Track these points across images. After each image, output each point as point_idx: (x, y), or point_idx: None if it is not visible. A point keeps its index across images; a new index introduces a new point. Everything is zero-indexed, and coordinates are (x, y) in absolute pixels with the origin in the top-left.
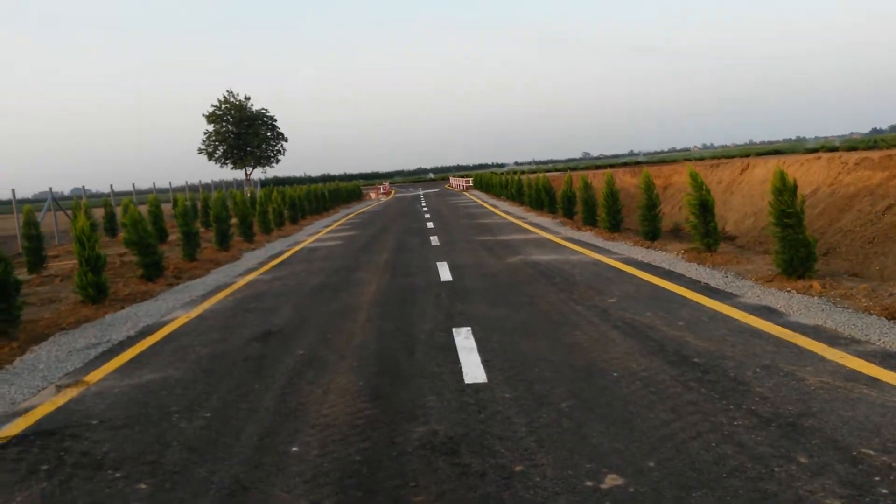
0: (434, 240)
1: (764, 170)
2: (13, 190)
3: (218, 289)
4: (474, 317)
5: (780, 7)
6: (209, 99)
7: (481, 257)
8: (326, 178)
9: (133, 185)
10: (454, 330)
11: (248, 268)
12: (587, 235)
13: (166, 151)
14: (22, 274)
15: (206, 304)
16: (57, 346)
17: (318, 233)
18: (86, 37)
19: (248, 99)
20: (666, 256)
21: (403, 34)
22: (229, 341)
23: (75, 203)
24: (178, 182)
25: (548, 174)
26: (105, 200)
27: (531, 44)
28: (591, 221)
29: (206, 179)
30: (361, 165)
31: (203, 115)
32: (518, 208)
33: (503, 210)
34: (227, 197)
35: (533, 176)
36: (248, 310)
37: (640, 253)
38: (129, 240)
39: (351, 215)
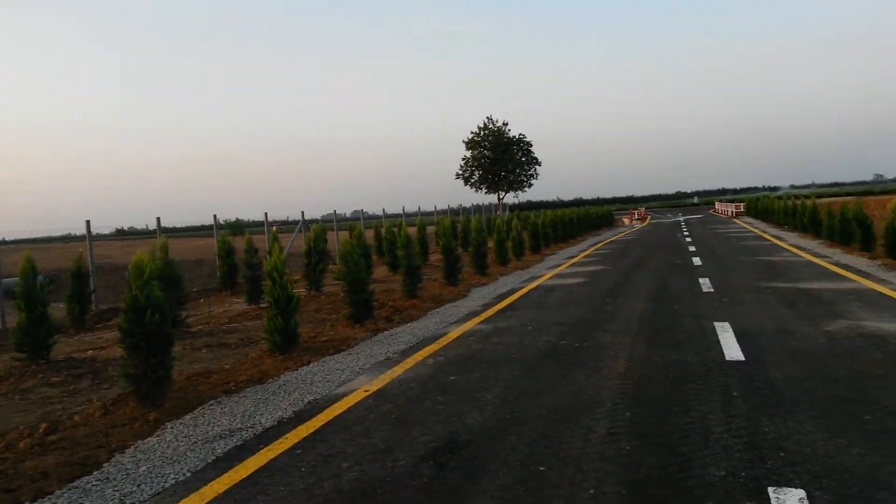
0: (705, 284)
1: None
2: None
3: (423, 343)
4: (814, 473)
5: None
6: (470, 126)
7: (781, 318)
8: (578, 203)
9: (403, 208)
10: None
11: (470, 311)
12: None
13: (428, 177)
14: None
15: (397, 371)
16: None
17: (559, 266)
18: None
19: (505, 125)
20: None
21: (655, 52)
22: (396, 454)
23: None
24: (442, 206)
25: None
26: (375, 224)
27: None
28: None
29: (466, 203)
30: (615, 189)
31: (463, 141)
32: (811, 242)
33: (791, 244)
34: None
35: (827, 201)
36: (444, 388)
37: None
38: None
39: (600, 244)
